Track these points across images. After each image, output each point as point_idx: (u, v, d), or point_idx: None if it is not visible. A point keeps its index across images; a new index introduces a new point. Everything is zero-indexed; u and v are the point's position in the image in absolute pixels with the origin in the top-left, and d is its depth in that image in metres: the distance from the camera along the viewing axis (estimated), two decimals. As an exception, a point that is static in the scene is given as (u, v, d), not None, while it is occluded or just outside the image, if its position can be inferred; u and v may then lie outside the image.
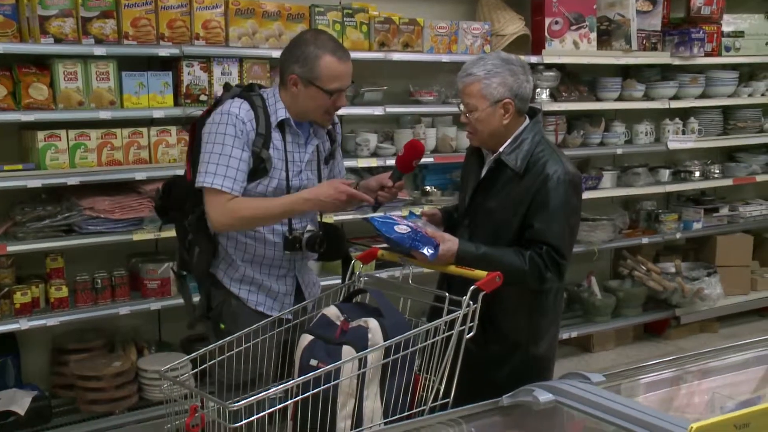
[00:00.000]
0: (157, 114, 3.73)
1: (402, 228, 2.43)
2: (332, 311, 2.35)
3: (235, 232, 2.67)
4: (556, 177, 2.52)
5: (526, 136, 2.60)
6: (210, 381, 2.48)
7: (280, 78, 2.68)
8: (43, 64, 3.55)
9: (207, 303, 2.76)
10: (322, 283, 2.98)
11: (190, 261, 2.75)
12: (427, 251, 2.40)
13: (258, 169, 2.60)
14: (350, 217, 4.08)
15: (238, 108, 2.59)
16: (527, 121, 2.64)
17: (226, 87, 2.80)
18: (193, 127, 2.76)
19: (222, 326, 2.68)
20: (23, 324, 3.50)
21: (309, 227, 2.73)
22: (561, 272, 2.53)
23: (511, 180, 2.58)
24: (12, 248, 3.47)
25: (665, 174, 5.56)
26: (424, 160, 3.99)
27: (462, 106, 2.62)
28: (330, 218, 3.63)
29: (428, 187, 4.64)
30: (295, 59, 2.58)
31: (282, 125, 2.64)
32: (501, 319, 2.63)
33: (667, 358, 2.32)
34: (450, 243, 2.48)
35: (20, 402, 3.51)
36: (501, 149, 2.60)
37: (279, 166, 2.64)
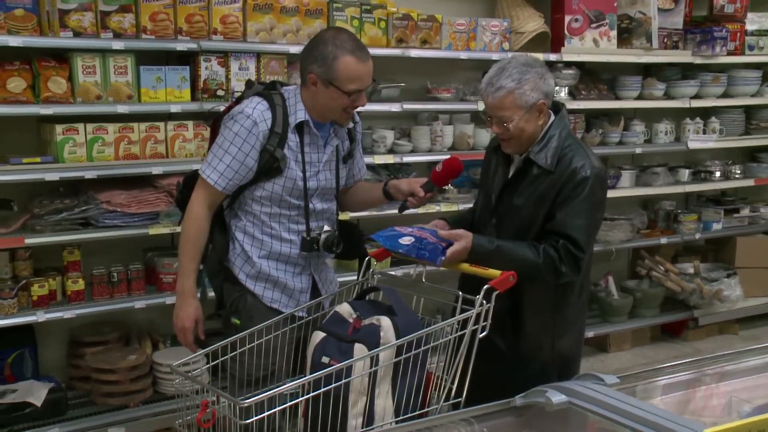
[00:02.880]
0: (175, 108, 3.73)
1: (406, 240, 2.43)
2: (345, 309, 2.34)
3: (252, 228, 2.69)
4: (584, 171, 2.52)
5: (554, 133, 2.59)
6: (223, 376, 2.48)
7: (300, 76, 2.68)
8: (62, 57, 3.57)
9: (219, 299, 2.78)
10: (338, 279, 2.98)
11: (205, 256, 2.76)
12: (432, 259, 2.39)
13: (272, 168, 2.62)
14: (366, 214, 4.08)
15: (253, 108, 2.60)
16: (552, 116, 2.63)
17: (248, 84, 2.82)
18: (215, 123, 2.80)
19: (237, 322, 2.70)
20: (40, 316, 3.53)
21: (326, 228, 2.73)
22: (578, 266, 2.51)
23: (540, 176, 2.57)
24: (30, 241, 3.49)
25: (685, 174, 5.49)
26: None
27: (491, 119, 2.58)
28: (347, 215, 3.62)
29: (445, 186, 4.62)
30: (314, 59, 2.57)
31: (301, 126, 2.64)
32: (528, 316, 2.64)
33: (683, 361, 2.29)
34: (464, 240, 2.47)
35: (37, 393, 3.55)
36: (530, 148, 2.59)
37: (294, 167, 2.64)
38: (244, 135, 2.58)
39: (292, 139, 2.63)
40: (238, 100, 2.72)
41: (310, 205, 2.70)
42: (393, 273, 2.76)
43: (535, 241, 2.54)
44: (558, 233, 2.51)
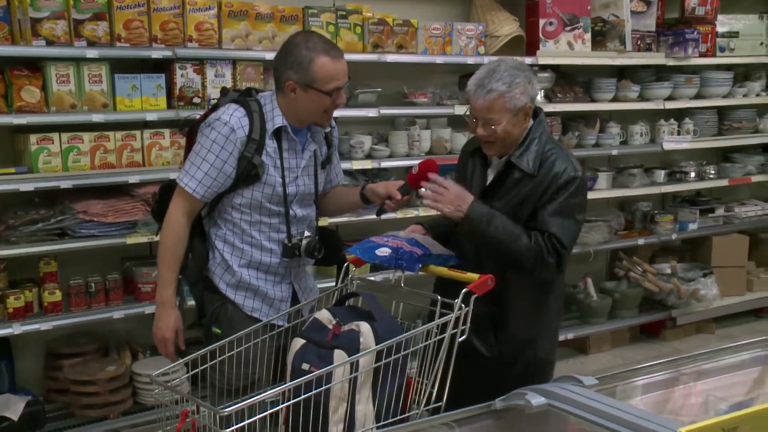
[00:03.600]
0: (150, 116, 3.71)
1: (383, 251, 2.44)
2: (324, 315, 2.34)
3: (231, 237, 2.68)
4: (566, 174, 2.55)
5: (534, 136, 2.62)
6: (203, 385, 2.47)
7: (275, 84, 2.67)
8: (35, 66, 3.54)
9: (200, 308, 2.77)
10: (318, 286, 2.97)
11: (185, 265, 2.74)
12: (410, 268, 2.41)
13: (250, 175, 2.61)
14: (344, 219, 4.07)
15: (230, 115, 2.58)
16: (531, 120, 2.65)
17: (224, 91, 2.81)
18: (191, 132, 2.78)
19: (218, 331, 2.68)
20: (16, 328, 3.49)
21: (306, 233, 2.72)
22: (561, 261, 2.55)
23: (521, 180, 2.59)
24: (5, 252, 3.46)
25: (661, 175, 5.55)
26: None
27: (477, 120, 2.59)
28: (325, 221, 3.62)
29: (422, 189, 4.63)
30: (289, 65, 2.57)
31: (278, 132, 2.64)
32: (510, 320, 2.66)
33: (661, 361, 2.31)
34: (463, 199, 2.53)
35: (14, 407, 3.50)
36: (510, 151, 2.61)
37: (273, 173, 2.63)
38: (222, 142, 2.56)
39: (270, 145, 2.62)
40: (214, 108, 2.71)
41: (291, 212, 2.70)
42: (372, 278, 2.75)
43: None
44: (542, 231, 2.54)
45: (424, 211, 4.41)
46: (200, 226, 2.76)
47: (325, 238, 2.79)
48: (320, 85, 2.55)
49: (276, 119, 2.62)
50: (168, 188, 2.78)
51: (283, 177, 2.64)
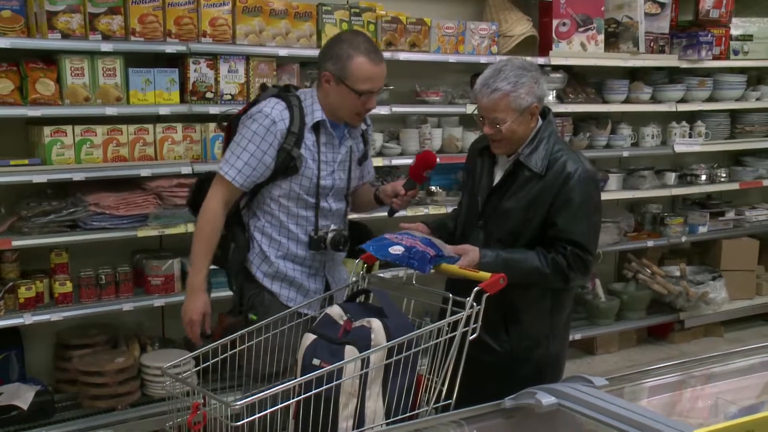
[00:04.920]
0: (163, 111, 3.73)
1: (396, 249, 2.44)
2: (335, 311, 2.34)
3: (269, 229, 2.77)
4: (577, 175, 2.56)
5: (542, 136, 2.62)
6: (213, 378, 2.48)
7: (318, 77, 2.76)
8: (50, 59, 3.56)
9: (240, 297, 2.84)
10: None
11: (224, 256, 2.82)
12: (420, 269, 2.41)
13: (288, 167, 2.70)
14: (366, 216, 4.07)
15: (272, 108, 2.68)
16: (540, 120, 2.65)
17: (263, 87, 2.90)
18: (229, 125, 2.86)
19: (254, 317, 2.76)
20: (27, 319, 3.51)
21: (333, 227, 2.80)
22: (587, 269, 2.58)
23: (530, 180, 2.60)
24: (17, 243, 3.48)
25: (671, 177, 5.54)
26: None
27: (484, 119, 2.60)
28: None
29: (433, 188, 4.63)
30: (329, 57, 2.66)
31: (317, 126, 2.71)
32: (523, 317, 2.67)
33: (671, 363, 2.31)
34: (472, 255, 2.52)
35: (23, 396, 3.52)
36: (519, 151, 2.62)
37: (311, 165, 2.71)
38: (263, 133, 2.65)
39: (309, 138, 2.71)
40: (253, 102, 2.80)
41: (325, 204, 2.79)
42: (382, 275, 2.77)
43: (541, 248, 2.57)
44: (563, 240, 2.54)
45: (435, 209, 4.42)
46: (240, 218, 2.85)
47: (357, 233, 2.87)
48: (352, 82, 2.62)
49: (315, 113, 2.71)
50: (205, 181, 2.86)
51: (318, 170, 2.72)
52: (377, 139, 4.35)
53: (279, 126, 2.66)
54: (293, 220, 2.77)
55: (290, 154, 2.68)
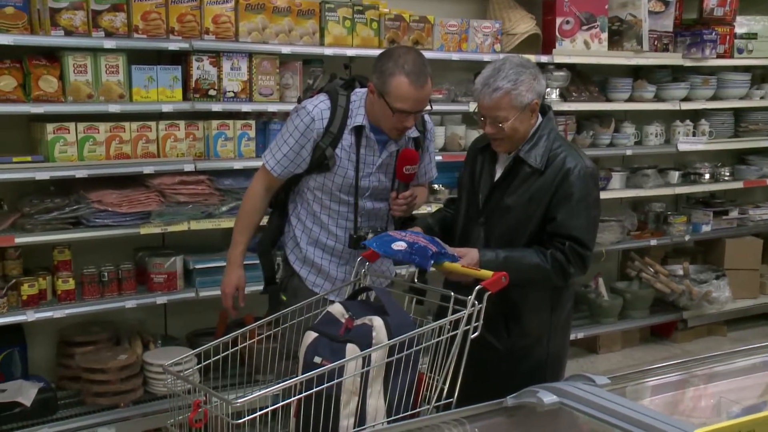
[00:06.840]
0: (166, 108, 3.73)
1: (399, 245, 2.45)
2: (337, 309, 2.34)
3: (304, 216, 2.94)
4: (577, 171, 2.57)
5: (542, 133, 2.63)
6: (215, 376, 2.47)
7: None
8: (53, 56, 3.56)
9: (267, 276, 3.03)
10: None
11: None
12: (422, 264, 2.42)
13: (322, 164, 2.82)
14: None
15: (315, 106, 2.81)
16: (540, 117, 2.65)
17: (332, 77, 3.01)
18: None
19: (284, 298, 2.96)
20: (30, 316, 3.51)
21: (372, 226, 2.89)
22: (585, 264, 2.59)
23: (530, 177, 2.61)
24: (20, 240, 3.48)
25: (675, 176, 5.52)
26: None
27: (485, 119, 2.61)
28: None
29: (436, 186, 4.63)
30: (376, 69, 2.72)
31: (359, 129, 2.79)
32: (523, 314, 2.68)
33: (673, 362, 2.30)
34: (472, 254, 2.53)
35: (26, 393, 3.53)
36: (519, 147, 2.63)
37: (346, 165, 2.80)
38: (302, 129, 2.80)
39: (347, 139, 2.80)
40: (319, 92, 2.91)
41: (361, 203, 2.85)
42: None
43: (539, 245, 2.58)
44: (561, 235, 2.55)
45: (437, 207, 4.40)
46: (283, 202, 3.03)
47: (404, 228, 2.87)
48: (390, 99, 2.67)
49: (357, 117, 2.80)
50: None
51: (357, 171, 2.80)
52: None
53: (317, 125, 2.78)
54: (326, 212, 2.90)
55: (324, 152, 2.79)
